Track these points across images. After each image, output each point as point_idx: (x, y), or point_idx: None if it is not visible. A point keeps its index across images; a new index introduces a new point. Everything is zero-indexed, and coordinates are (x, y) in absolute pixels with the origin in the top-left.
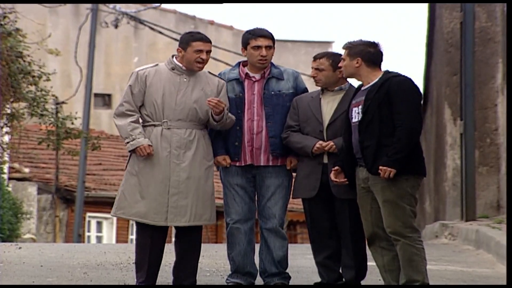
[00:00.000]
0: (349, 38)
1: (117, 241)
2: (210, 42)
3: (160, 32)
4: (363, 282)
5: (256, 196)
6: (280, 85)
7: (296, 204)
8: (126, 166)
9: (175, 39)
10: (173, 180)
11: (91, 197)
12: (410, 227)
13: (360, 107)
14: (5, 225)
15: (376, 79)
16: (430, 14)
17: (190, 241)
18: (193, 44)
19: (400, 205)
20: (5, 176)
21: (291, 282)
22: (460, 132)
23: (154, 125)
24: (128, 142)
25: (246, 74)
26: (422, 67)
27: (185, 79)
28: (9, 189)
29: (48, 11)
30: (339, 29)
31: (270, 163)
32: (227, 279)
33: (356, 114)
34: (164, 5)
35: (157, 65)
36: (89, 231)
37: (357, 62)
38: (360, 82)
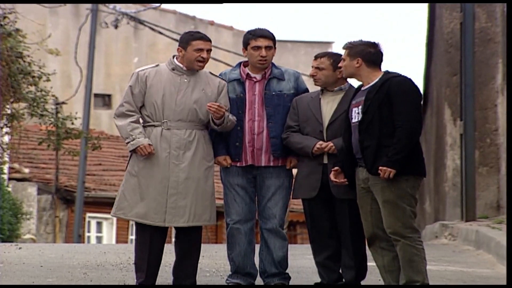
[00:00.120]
0: (349, 38)
1: (117, 241)
2: (210, 41)
3: (160, 33)
4: (363, 283)
5: (256, 196)
6: (281, 86)
7: (296, 204)
8: (127, 167)
9: (175, 40)
10: (172, 180)
11: (91, 197)
12: (410, 228)
13: (360, 107)
14: (5, 226)
15: (376, 80)
16: (430, 14)
17: (190, 241)
18: (193, 43)
19: (400, 206)
20: (5, 177)
21: (291, 283)
22: (460, 132)
23: (154, 126)
24: (128, 142)
25: (247, 74)
26: (422, 67)
27: (185, 80)
28: (9, 189)
29: (48, 11)
30: (339, 29)
31: (271, 164)
32: (227, 280)
33: (356, 114)
34: (164, 6)
35: (157, 65)
36: (89, 231)
37: (357, 62)
38: (360, 82)
